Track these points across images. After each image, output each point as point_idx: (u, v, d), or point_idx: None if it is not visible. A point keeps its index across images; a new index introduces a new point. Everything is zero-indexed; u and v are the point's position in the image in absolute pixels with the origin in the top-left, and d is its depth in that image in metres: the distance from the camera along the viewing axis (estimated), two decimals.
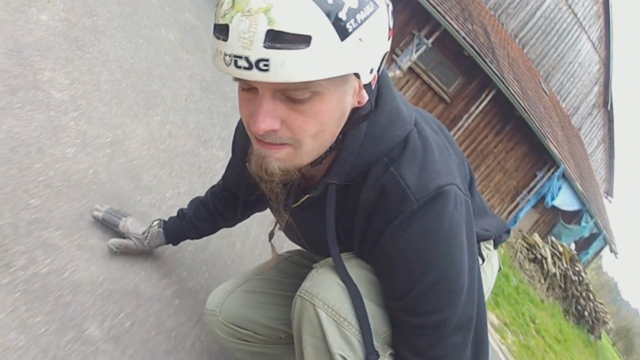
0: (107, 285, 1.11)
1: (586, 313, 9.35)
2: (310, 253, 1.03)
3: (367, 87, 0.63)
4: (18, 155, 1.19)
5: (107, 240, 1.18)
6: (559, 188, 10.68)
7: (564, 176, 10.52)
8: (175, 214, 1.21)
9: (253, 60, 0.52)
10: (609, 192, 16.68)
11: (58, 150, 1.29)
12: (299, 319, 0.75)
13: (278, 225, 0.89)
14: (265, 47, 0.51)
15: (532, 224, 11.55)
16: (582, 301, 9.22)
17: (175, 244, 1.22)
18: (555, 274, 8.76)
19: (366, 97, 0.64)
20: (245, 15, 0.51)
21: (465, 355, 0.69)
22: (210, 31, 0.62)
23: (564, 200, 11.05)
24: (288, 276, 1.04)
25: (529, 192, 10.60)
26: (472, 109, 9.07)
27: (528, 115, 8.99)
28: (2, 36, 1.49)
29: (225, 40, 0.53)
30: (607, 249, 14.41)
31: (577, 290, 9.10)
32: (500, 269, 1.02)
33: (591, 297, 9.53)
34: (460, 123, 9.16)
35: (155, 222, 1.20)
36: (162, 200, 1.49)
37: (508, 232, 1.02)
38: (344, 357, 0.70)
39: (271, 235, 0.93)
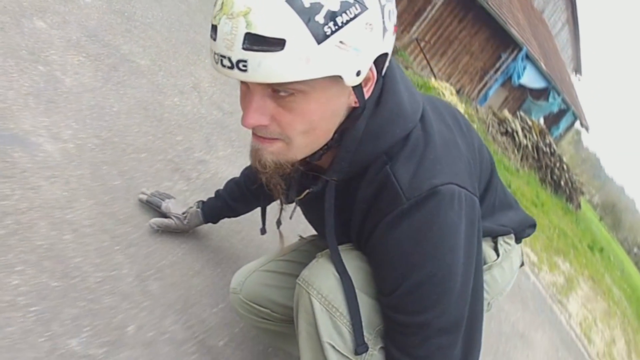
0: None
1: (562, 183, 9.58)
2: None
3: (356, 88, 0.62)
4: (150, 111, 1.65)
5: (230, 156, 1.69)
6: (524, 68, 11.30)
7: (527, 57, 11.10)
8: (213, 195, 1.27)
9: (234, 60, 0.54)
10: (578, 70, 17.43)
11: (169, 101, 1.76)
12: (297, 305, 0.77)
13: (284, 214, 0.92)
14: (243, 48, 0.53)
15: (502, 101, 12.35)
16: (556, 171, 9.49)
17: (214, 222, 1.28)
18: (527, 146, 9.19)
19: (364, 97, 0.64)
20: (229, 18, 0.53)
21: (452, 357, 0.67)
22: None
23: (530, 79, 11.71)
24: (309, 259, 0.99)
25: (495, 72, 11.26)
26: (435, 0, 9.37)
27: (487, 2, 9.32)
28: (74, 26, 1.83)
29: (215, 40, 0.55)
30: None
31: (550, 161, 9.48)
32: (522, 264, 1.00)
33: (565, 167, 9.77)
34: (425, 14, 9.50)
35: (195, 203, 1.27)
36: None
37: (534, 226, 0.99)
38: (333, 346, 0.71)
39: (278, 223, 0.97)
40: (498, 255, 0.88)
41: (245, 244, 1.45)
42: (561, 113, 14.28)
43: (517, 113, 10.88)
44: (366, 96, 0.64)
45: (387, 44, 0.61)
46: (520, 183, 7.31)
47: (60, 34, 1.72)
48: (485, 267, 0.85)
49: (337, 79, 0.57)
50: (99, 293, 1.06)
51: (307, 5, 0.52)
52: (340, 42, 0.54)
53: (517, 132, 9.47)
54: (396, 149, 0.67)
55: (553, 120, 14.37)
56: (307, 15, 0.52)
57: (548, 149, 9.51)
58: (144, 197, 1.28)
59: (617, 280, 9.29)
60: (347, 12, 0.54)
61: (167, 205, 1.25)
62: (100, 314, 1.03)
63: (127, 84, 1.70)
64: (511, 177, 7.05)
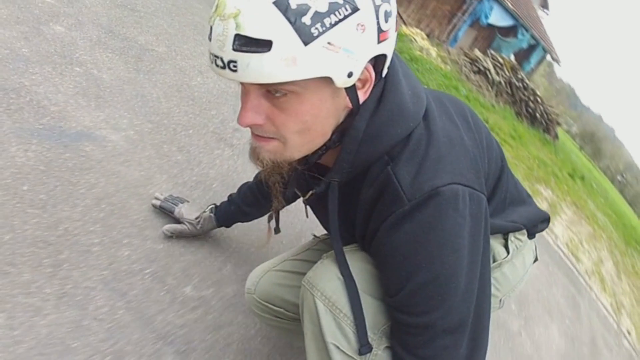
0: None
1: (538, 115, 9.96)
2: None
3: (349, 89, 0.62)
4: (183, 93, 1.81)
5: None
6: (491, 8, 11.43)
7: None
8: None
9: (225, 60, 0.55)
10: (544, 5, 17.51)
11: (194, 81, 1.92)
12: (302, 306, 0.78)
13: (279, 209, 0.93)
14: (233, 49, 0.54)
15: (472, 41, 12.54)
16: (531, 104, 9.84)
17: (227, 226, 1.30)
18: (500, 82, 9.50)
19: (361, 98, 0.64)
20: (221, 19, 0.54)
21: (458, 357, 0.67)
22: None
23: (498, 18, 11.82)
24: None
25: (463, 14, 11.38)
26: None
27: None
28: (89, 26, 1.93)
29: (210, 40, 0.57)
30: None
31: (523, 95, 9.75)
32: (536, 259, 1.00)
33: (539, 100, 10.12)
34: None
35: (208, 208, 1.27)
36: None
37: (547, 220, 0.98)
38: (337, 347, 0.72)
39: (270, 217, 0.99)
40: (508, 252, 0.88)
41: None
42: (531, 48, 14.55)
43: (488, 51, 11.04)
44: (364, 97, 0.64)
45: (384, 46, 0.60)
46: (496, 118, 7.51)
47: (80, 35, 1.83)
48: (494, 264, 0.86)
49: (330, 80, 0.57)
50: (196, 245, 1.27)
51: (293, 6, 0.52)
52: (329, 43, 0.54)
53: (489, 70, 9.69)
54: (398, 149, 0.67)
55: (524, 55, 14.62)
56: (293, 16, 0.52)
57: (521, 84, 9.78)
58: (157, 202, 1.29)
59: (600, 206, 9.44)
60: (336, 13, 0.54)
61: (179, 210, 1.26)
62: (202, 262, 1.24)
63: (155, 72, 1.83)
64: (487, 113, 7.24)
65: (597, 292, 4.14)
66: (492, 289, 0.75)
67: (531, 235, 0.93)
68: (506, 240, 0.88)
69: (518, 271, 0.91)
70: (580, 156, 22.38)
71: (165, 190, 1.37)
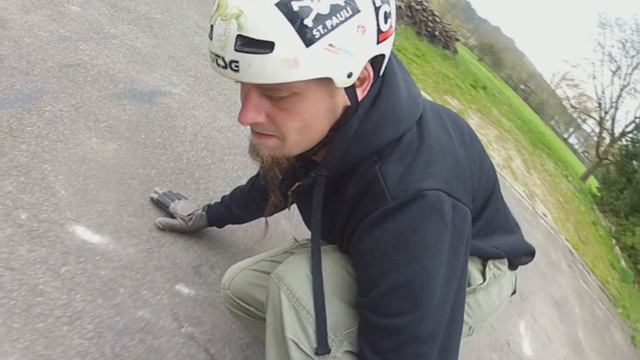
0: None
1: (437, 33, 11.10)
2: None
3: (349, 89, 0.63)
4: (196, 50, 2.32)
5: None
6: None
7: None
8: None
9: (227, 60, 0.56)
10: None
11: (197, 40, 2.42)
12: (267, 298, 0.79)
13: (275, 205, 0.92)
14: (235, 50, 0.55)
15: None
16: (430, 24, 10.88)
17: (219, 226, 1.35)
18: (400, 7, 10.22)
19: (359, 96, 0.66)
20: (223, 20, 0.55)
21: None
22: None
23: None
24: None
25: None
26: None
27: None
28: (96, 3, 2.26)
29: (211, 39, 0.58)
30: None
31: (423, 16, 10.68)
32: (514, 292, 0.99)
33: (437, 20, 11.29)
34: None
35: (202, 206, 1.33)
36: None
37: (532, 254, 0.98)
38: (296, 344, 0.72)
39: (266, 212, 1.00)
40: (485, 279, 0.87)
41: None
42: None
43: None
44: (362, 95, 0.66)
45: (382, 46, 0.62)
46: (400, 39, 8.04)
47: (96, 12, 2.17)
48: (468, 289, 0.86)
49: (329, 79, 0.59)
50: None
51: (295, 8, 0.53)
52: (330, 45, 0.56)
53: None
54: (388, 149, 0.68)
55: None
56: (295, 18, 0.54)
57: (420, 6, 10.82)
58: (155, 196, 1.38)
59: (505, 113, 10.62)
60: (337, 15, 0.55)
61: (174, 206, 1.34)
62: None
63: (167, 36, 2.28)
64: None
65: (510, 181, 4.88)
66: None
67: (512, 267, 0.95)
68: (484, 266, 0.89)
69: (493, 300, 0.91)
70: (481, 67, 23.36)
71: (228, 121, 1.92)
